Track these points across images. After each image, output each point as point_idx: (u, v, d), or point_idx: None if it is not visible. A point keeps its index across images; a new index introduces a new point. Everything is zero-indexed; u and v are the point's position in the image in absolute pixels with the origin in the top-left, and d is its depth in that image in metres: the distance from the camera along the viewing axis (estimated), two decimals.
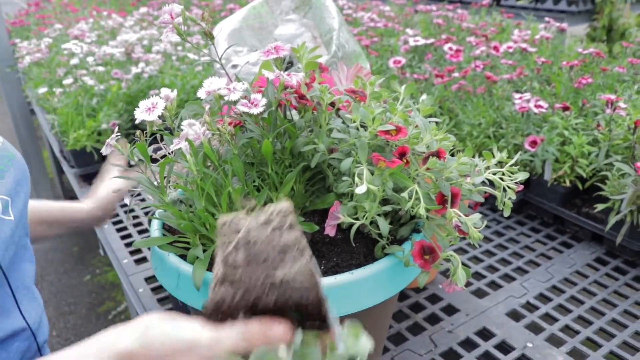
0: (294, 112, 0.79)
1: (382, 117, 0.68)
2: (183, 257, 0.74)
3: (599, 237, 1.30)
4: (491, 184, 0.73)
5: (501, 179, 0.71)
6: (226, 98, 0.71)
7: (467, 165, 0.66)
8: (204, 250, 0.71)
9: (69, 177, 1.80)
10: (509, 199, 0.70)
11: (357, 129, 0.68)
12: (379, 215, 0.67)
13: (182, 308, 1.07)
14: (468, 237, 0.66)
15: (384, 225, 0.65)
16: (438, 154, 0.66)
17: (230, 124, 0.76)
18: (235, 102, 0.71)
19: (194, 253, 0.71)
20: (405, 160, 0.64)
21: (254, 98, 0.69)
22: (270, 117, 0.72)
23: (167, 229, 0.82)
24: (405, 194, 0.62)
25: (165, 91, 0.76)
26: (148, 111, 0.71)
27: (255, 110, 0.68)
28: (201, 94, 0.72)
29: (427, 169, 0.65)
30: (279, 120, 0.73)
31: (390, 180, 0.62)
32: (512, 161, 0.71)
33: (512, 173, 0.71)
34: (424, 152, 0.68)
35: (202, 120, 0.73)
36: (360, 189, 0.61)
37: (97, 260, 2.82)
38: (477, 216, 0.62)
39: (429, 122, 0.69)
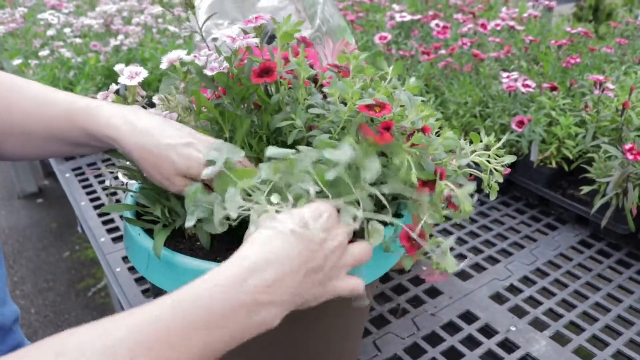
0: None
1: (363, 92, 0.64)
2: None
3: (584, 219, 1.28)
4: (477, 165, 0.70)
5: (488, 161, 0.68)
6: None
7: (452, 139, 0.63)
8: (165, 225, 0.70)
9: None
10: (496, 181, 0.68)
11: (337, 105, 0.65)
12: None
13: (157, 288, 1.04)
14: (452, 214, 0.64)
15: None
16: (423, 131, 0.63)
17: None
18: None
19: (158, 227, 0.70)
20: (390, 135, 0.61)
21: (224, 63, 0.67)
22: (227, 81, 0.69)
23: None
24: (396, 161, 0.59)
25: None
26: (130, 78, 0.72)
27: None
28: (163, 65, 0.71)
29: (412, 144, 0.62)
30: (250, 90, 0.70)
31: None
32: (499, 144, 0.68)
33: (499, 156, 0.68)
34: (408, 130, 0.65)
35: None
36: None
37: (76, 236, 2.78)
38: (472, 185, 0.60)
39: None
